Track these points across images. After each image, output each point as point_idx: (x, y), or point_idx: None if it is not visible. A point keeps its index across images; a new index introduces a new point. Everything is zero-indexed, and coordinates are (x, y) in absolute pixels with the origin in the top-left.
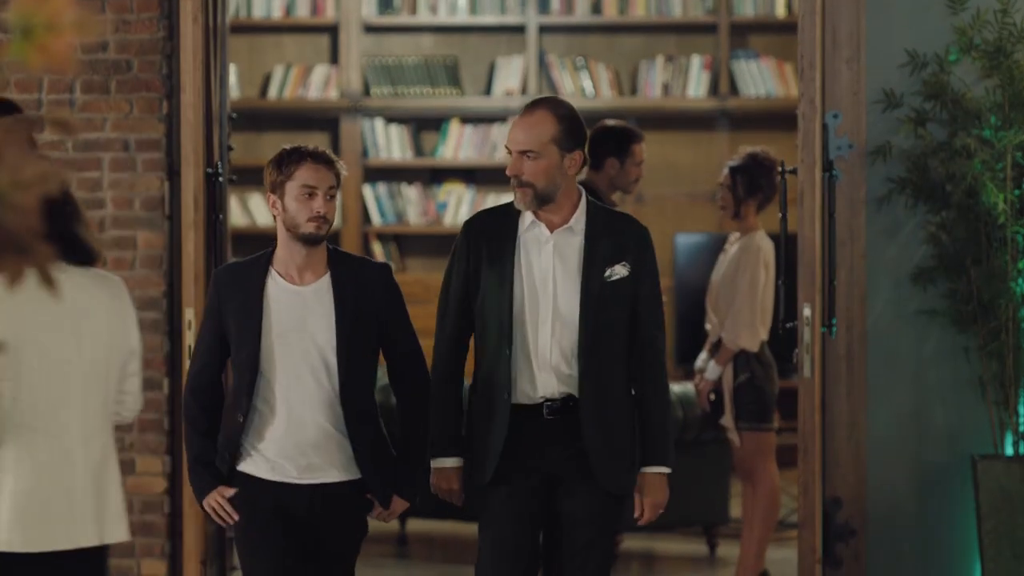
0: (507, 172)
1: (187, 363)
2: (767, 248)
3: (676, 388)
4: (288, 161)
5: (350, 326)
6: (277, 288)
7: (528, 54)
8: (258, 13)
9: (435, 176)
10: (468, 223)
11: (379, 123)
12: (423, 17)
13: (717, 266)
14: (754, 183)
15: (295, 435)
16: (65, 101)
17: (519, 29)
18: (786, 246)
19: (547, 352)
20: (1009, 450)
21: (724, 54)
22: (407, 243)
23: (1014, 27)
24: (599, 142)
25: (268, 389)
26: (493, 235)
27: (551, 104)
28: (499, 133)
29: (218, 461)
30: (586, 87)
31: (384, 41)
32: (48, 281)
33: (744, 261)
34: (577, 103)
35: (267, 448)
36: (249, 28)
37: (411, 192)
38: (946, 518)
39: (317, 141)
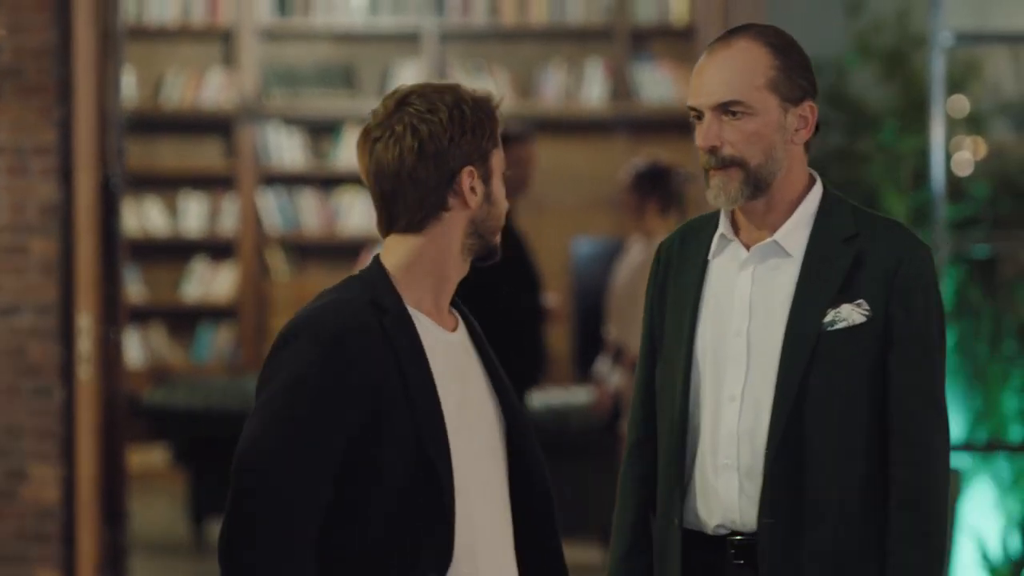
0: (699, 143)
1: (81, 370)
2: None
3: (567, 396)
4: (488, 115)
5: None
6: (434, 340)
7: (426, 58)
8: (152, 18)
9: (331, 182)
10: (663, 242)
11: (275, 128)
12: (319, 21)
13: (616, 271)
14: (657, 185)
15: None
16: None
17: (417, 34)
18: None
19: (731, 448)
20: None
21: (623, 59)
22: (304, 251)
23: (912, 32)
24: None
25: (462, 525)
26: (683, 258)
27: (756, 31)
28: None
29: None
30: None
31: (280, 46)
32: None
33: (646, 266)
34: None
35: None
36: (143, 33)
37: (307, 198)
38: None
39: (213, 146)
